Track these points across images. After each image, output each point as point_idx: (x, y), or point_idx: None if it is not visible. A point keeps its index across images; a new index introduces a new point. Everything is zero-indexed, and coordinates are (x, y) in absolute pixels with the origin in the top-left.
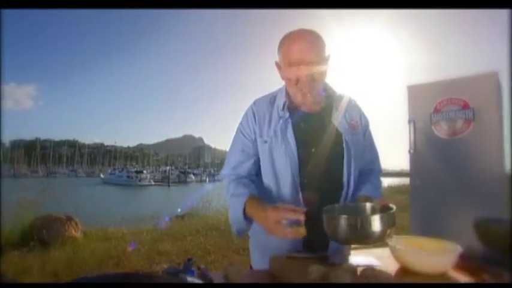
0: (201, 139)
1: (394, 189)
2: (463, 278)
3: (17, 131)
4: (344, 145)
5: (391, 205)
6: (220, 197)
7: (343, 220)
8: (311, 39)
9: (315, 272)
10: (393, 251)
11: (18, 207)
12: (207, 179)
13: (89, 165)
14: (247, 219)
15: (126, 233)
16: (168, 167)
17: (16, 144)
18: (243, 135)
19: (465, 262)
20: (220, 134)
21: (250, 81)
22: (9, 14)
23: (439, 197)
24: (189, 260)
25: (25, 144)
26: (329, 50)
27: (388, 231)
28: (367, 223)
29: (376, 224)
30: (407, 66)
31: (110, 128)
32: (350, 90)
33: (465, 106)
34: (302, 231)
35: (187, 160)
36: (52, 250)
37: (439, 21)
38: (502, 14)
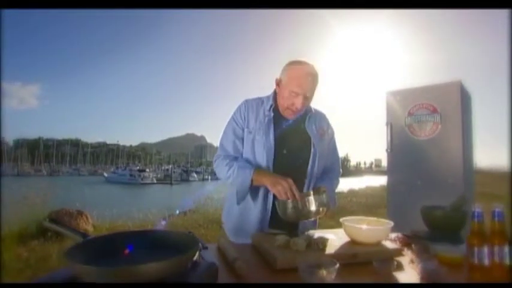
0: (203, 137)
1: None
2: (392, 246)
3: (20, 130)
4: (311, 146)
5: (326, 191)
6: (221, 194)
7: (289, 202)
8: (315, 78)
9: (279, 240)
10: (343, 227)
11: (28, 203)
12: (209, 178)
13: (92, 164)
14: (251, 186)
15: (132, 226)
16: (170, 166)
17: (20, 143)
18: (235, 122)
19: (411, 240)
20: (222, 133)
21: (252, 80)
22: (13, 13)
23: (411, 190)
24: (189, 232)
25: (28, 143)
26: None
27: (321, 209)
28: (305, 204)
29: (312, 204)
30: (401, 69)
31: (112, 127)
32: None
33: (434, 110)
34: (293, 197)
35: (190, 159)
36: (67, 240)
37: (438, 22)
38: (502, 14)
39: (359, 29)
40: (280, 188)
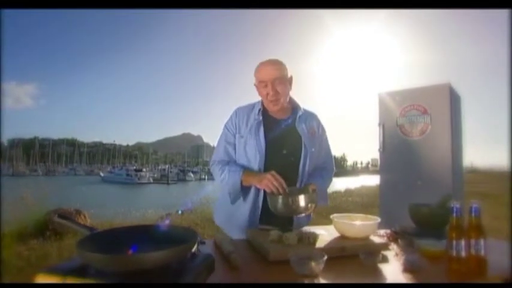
0: (199, 137)
1: None
2: (378, 240)
3: (16, 130)
4: (302, 146)
5: (316, 189)
6: (217, 194)
7: (279, 198)
8: (275, 65)
9: (273, 235)
10: (333, 223)
11: (26, 203)
12: (206, 177)
13: (88, 163)
14: (242, 187)
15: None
16: (167, 165)
17: (15, 143)
18: (228, 130)
19: (398, 235)
20: (218, 132)
21: (248, 80)
22: (10, 12)
23: (402, 188)
24: (189, 227)
25: (24, 143)
26: (291, 72)
27: (309, 206)
28: (294, 200)
29: (301, 201)
30: (400, 69)
31: (109, 126)
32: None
33: (424, 112)
34: (281, 190)
35: (186, 158)
36: (65, 239)
37: (437, 22)
38: (502, 14)
39: (358, 29)
40: (266, 181)
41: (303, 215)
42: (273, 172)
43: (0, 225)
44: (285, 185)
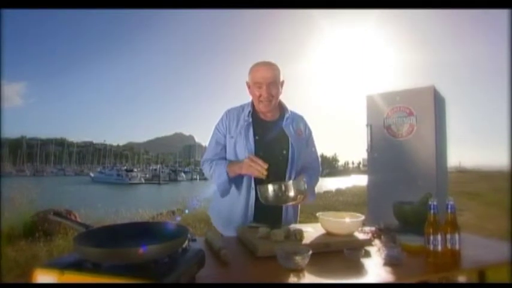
0: (191, 137)
1: None
2: (362, 237)
3: (2, 129)
4: (289, 146)
5: (304, 180)
6: (207, 194)
7: (269, 186)
8: (271, 68)
9: (261, 231)
10: (319, 220)
11: (14, 203)
12: (198, 177)
13: (78, 163)
14: (229, 178)
15: None
16: (158, 166)
17: (1, 143)
18: (218, 131)
19: (382, 232)
20: (210, 132)
21: (240, 80)
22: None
23: (389, 187)
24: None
25: (10, 143)
26: (283, 73)
27: (299, 196)
28: (284, 188)
29: (290, 189)
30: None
31: (99, 126)
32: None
33: (410, 113)
34: (264, 172)
35: (178, 158)
36: (56, 239)
37: (428, 23)
38: (502, 14)
39: (349, 30)
40: (246, 166)
41: (291, 204)
42: (251, 156)
43: (0, 225)
44: (263, 164)
